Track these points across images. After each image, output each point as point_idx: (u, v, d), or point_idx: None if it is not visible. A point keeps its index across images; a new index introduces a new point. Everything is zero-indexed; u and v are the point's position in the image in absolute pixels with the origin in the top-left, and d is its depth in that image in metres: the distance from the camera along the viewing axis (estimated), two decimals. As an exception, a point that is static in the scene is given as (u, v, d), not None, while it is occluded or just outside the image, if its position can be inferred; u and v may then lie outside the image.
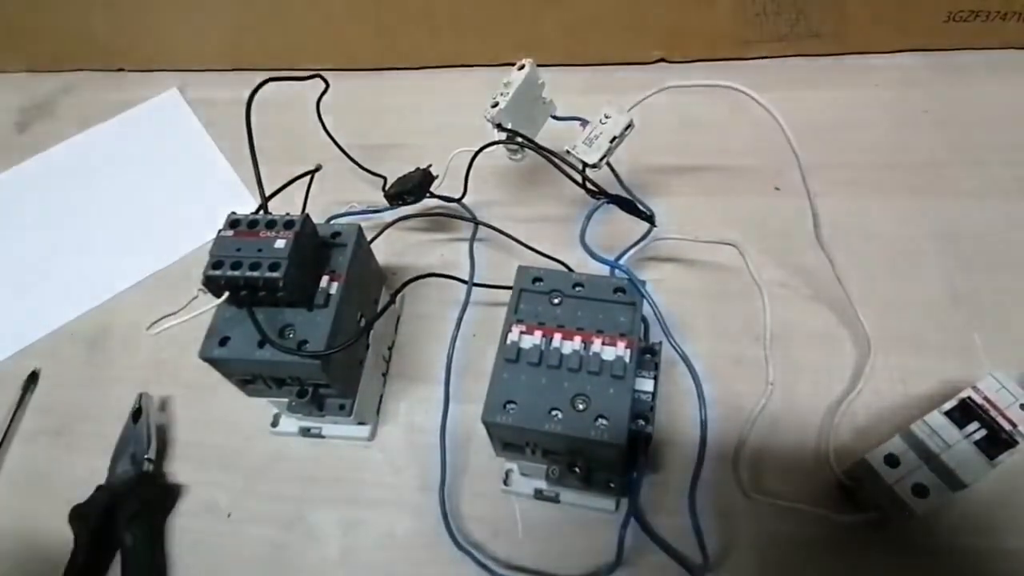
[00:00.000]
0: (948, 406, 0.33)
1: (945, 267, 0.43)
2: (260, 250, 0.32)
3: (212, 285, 0.32)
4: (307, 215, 0.34)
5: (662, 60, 0.56)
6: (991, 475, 0.31)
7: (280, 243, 0.32)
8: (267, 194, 0.37)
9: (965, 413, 0.32)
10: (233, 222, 0.34)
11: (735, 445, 0.37)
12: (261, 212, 0.35)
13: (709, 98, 0.52)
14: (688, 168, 0.50)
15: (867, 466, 0.32)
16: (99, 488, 0.38)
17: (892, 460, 0.32)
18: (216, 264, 0.32)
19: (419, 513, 0.37)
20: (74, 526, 0.37)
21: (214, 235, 0.34)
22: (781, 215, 0.46)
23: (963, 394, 0.33)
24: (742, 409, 0.38)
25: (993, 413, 0.32)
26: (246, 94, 0.37)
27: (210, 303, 0.33)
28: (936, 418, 0.32)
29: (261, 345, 0.33)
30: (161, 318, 0.33)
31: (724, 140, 0.51)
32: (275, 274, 0.32)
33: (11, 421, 0.43)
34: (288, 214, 0.35)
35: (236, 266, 0.32)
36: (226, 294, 0.32)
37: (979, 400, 0.32)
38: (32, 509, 0.40)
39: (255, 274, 0.32)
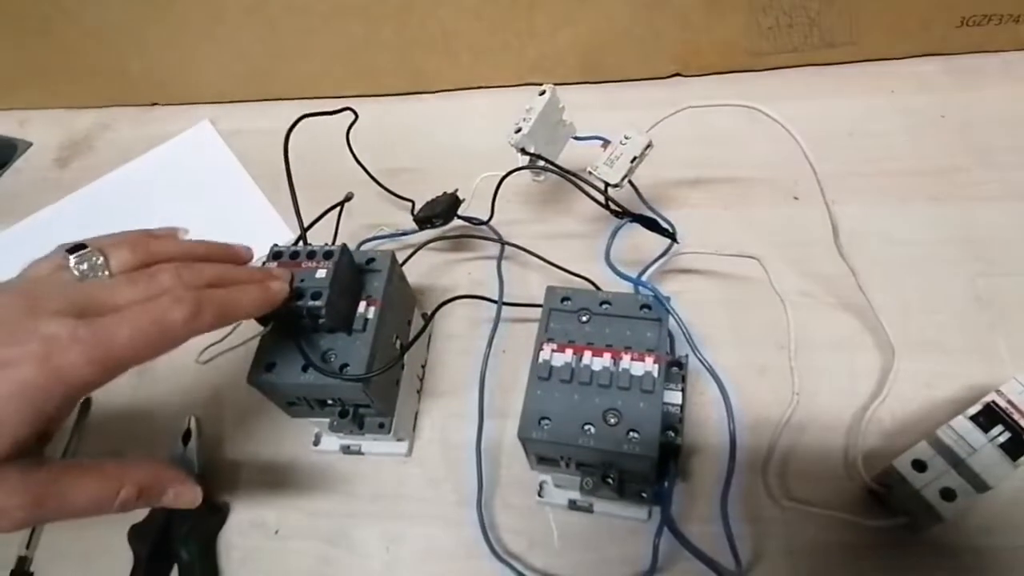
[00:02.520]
0: (973, 411, 0.33)
1: (967, 271, 0.43)
2: (302, 280, 0.34)
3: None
4: (344, 245, 0.36)
5: (677, 75, 0.57)
6: (1014, 475, 0.32)
7: (321, 273, 0.34)
8: (305, 225, 0.39)
9: (989, 417, 0.33)
10: (276, 254, 0.36)
11: (764, 453, 0.38)
12: (301, 243, 0.37)
13: (725, 111, 0.53)
14: (706, 180, 0.51)
15: (895, 472, 0.33)
16: (155, 508, 0.40)
17: (920, 465, 0.33)
18: (261, 295, 0.34)
19: (458, 526, 0.39)
20: (133, 544, 0.39)
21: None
22: (800, 224, 0.46)
23: (987, 398, 0.33)
24: (769, 418, 0.39)
25: (1016, 416, 0.32)
26: (274, 124, 0.39)
27: (255, 331, 0.35)
28: (962, 423, 0.33)
29: (305, 369, 0.34)
30: (209, 346, 0.35)
31: (741, 152, 0.51)
32: (318, 303, 0.33)
33: (68, 445, 0.46)
34: (326, 244, 0.36)
35: (280, 296, 0.34)
36: (271, 323, 0.34)
37: (1003, 404, 0.33)
38: (91, 528, 0.42)
39: (299, 304, 0.33)
